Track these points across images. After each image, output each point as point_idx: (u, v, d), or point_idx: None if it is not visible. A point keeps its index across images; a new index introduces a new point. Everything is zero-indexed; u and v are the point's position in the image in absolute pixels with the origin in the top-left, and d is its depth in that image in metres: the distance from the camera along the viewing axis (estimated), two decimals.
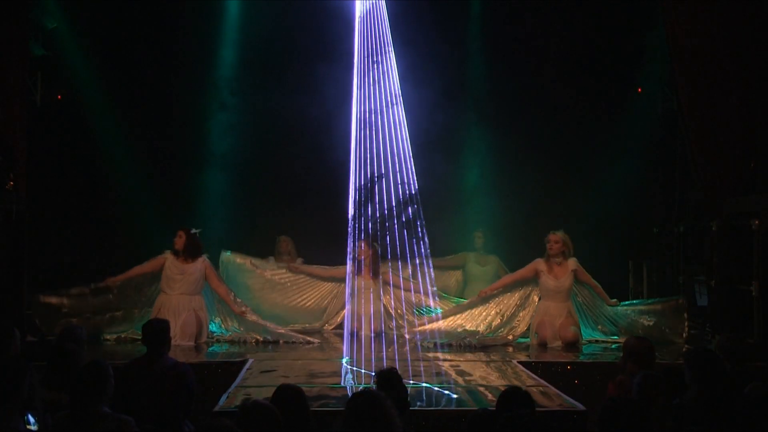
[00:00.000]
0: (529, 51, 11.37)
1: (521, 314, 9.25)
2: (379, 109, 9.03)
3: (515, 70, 11.44)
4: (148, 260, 9.15)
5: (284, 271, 10.03)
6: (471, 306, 9.41)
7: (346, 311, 9.52)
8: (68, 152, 11.14)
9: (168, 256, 9.04)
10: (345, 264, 9.63)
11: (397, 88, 8.81)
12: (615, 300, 9.41)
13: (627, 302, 9.63)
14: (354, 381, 6.97)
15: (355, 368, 7.55)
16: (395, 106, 8.91)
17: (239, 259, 9.96)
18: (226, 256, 9.92)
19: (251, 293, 9.82)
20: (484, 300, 9.36)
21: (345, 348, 8.37)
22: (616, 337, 9.17)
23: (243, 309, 9.14)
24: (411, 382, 6.81)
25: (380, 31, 8.70)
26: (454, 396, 6.43)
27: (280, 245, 10.41)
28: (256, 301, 9.70)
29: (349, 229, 9.07)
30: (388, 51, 8.68)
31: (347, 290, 9.60)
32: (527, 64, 11.40)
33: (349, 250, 9.37)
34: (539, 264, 9.12)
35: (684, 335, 8.89)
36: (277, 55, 11.28)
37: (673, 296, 9.70)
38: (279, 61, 11.28)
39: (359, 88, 8.72)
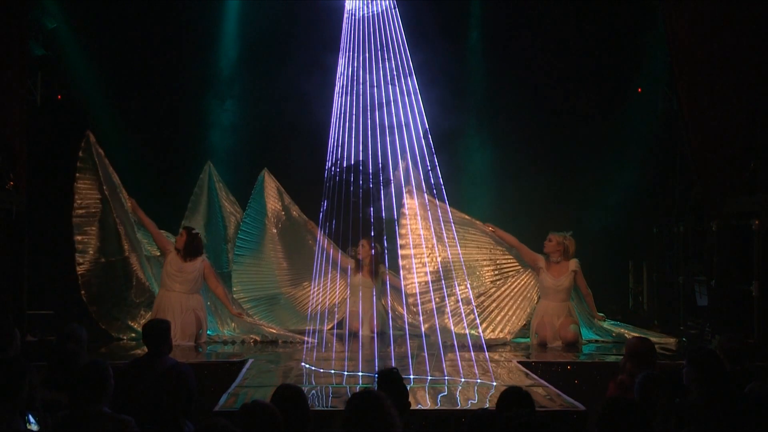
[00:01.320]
0: (529, 51, 11.37)
1: (517, 309, 9.25)
2: (385, 102, 8.97)
3: (515, 71, 11.44)
4: (164, 235, 9.35)
5: (304, 224, 9.98)
6: (469, 224, 9.42)
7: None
8: (68, 152, 11.11)
9: (173, 250, 9.09)
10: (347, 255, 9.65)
11: (412, 84, 8.77)
12: (602, 315, 9.40)
13: (614, 322, 9.52)
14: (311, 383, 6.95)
15: (314, 368, 7.50)
16: (409, 99, 8.84)
17: (276, 186, 9.90)
18: (268, 174, 9.91)
19: (263, 218, 9.85)
20: (483, 233, 9.43)
21: (304, 351, 8.32)
22: (610, 338, 9.16)
23: (240, 311, 9.16)
24: (411, 376, 6.88)
25: (391, 27, 8.65)
26: (452, 395, 6.46)
27: None
28: (260, 228, 9.77)
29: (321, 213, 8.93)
30: (402, 48, 8.65)
31: (312, 282, 9.57)
32: (527, 64, 11.40)
33: (319, 239, 9.31)
34: (541, 260, 9.17)
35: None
36: (278, 51, 11.26)
37: (671, 336, 9.28)
38: (280, 58, 11.25)
39: (345, 81, 8.65)
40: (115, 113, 11.23)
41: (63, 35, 10.79)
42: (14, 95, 8.74)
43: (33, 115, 9.81)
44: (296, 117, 11.16)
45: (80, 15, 10.82)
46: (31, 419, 4.35)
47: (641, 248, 11.37)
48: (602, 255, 10.80)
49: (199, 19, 11.29)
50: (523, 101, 11.39)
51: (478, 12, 11.59)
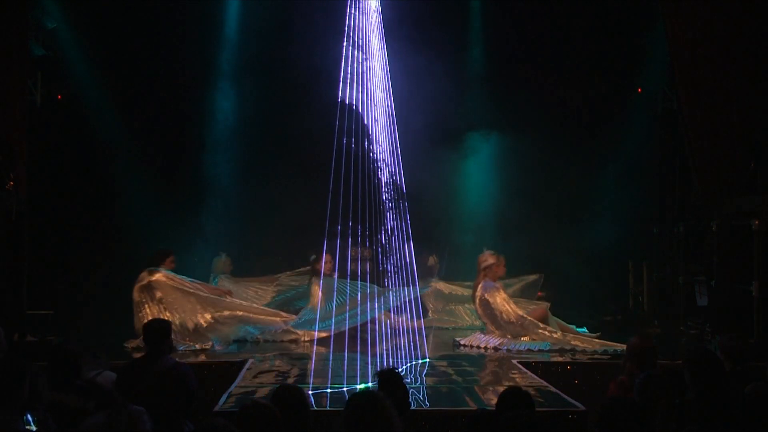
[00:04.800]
0: (529, 51, 11.37)
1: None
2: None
3: (515, 71, 11.44)
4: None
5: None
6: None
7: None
8: (68, 152, 11.13)
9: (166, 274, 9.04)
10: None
11: (387, 86, 8.80)
12: None
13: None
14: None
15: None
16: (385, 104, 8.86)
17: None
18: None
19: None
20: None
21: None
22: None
23: (228, 289, 9.52)
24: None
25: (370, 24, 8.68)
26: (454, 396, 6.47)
27: (220, 264, 10.40)
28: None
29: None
30: (381, 46, 8.69)
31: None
32: (527, 64, 11.40)
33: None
34: (501, 289, 9.22)
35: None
36: (278, 49, 11.26)
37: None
38: (280, 56, 11.25)
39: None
40: (115, 112, 11.23)
41: (63, 35, 10.79)
42: (14, 95, 8.74)
43: (33, 115, 9.81)
44: (297, 112, 11.16)
45: (80, 15, 10.82)
46: (30, 419, 4.34)
47: (641, 248, 11.36)
48: (602, 255, 10.79)
49: (198, 18, 11.28)
50: (523, 101, 11.38)
51: (478, 10, 11.59)
